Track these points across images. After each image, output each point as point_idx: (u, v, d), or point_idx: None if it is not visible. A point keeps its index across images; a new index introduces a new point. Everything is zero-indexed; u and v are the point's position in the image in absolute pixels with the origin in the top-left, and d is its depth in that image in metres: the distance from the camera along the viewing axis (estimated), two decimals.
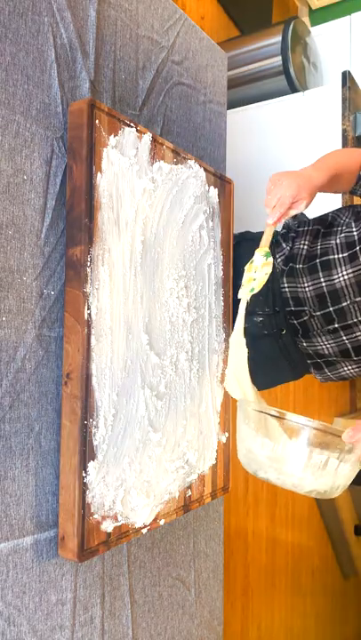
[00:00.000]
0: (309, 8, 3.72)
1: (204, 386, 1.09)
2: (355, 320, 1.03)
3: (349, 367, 1.13)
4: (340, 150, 1.18)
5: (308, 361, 1.18)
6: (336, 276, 1.03)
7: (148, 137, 0.94)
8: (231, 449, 1.18)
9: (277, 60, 2.44)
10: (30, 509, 0.79)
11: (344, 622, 4.30)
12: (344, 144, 1.98)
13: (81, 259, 0.81)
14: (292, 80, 2.44)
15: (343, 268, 1.02)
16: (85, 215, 0.82)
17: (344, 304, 1.02)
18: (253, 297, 1.15)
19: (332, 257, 1.04)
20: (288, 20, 2.52)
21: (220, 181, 1.16)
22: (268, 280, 1.15)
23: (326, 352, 1.11)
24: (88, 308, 0.82)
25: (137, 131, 0.92)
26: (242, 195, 1.51)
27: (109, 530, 0.86)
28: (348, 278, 1.01)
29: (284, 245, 1.17)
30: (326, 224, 1.16)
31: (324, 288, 1.04)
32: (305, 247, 1.11)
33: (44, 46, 0.83)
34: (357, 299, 1.01)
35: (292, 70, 2.43)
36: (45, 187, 0.82)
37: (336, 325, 1.05)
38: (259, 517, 2.89)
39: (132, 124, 0.91)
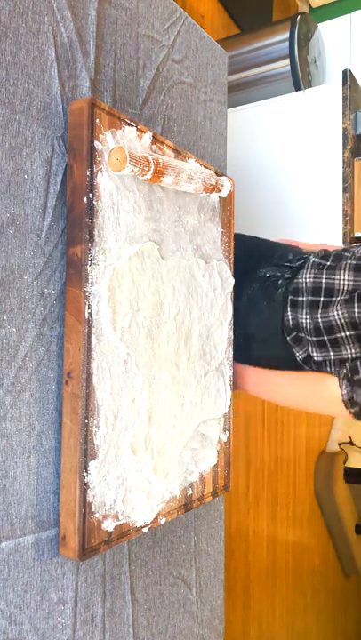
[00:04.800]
0: (310, 6, 3.71)
1: (208, 383, 1.09)
2: (348, 354, 1.05)
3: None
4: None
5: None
6: (332, 314, 1.06)
7: (148, 136, 0.94)
8: (232, 448, 1.18)
9: (285, 61, 2.46)
10: (31, 508, 0.79)
11: (345, 621, 4.30)
12: (345, 142, 1.98)
13: (82, 258, 0.81)
14: (298, 78, 2.45)
15: (339, 307, 1.05)
16: (86, 214, 0.82)
17: (338, 335, 1.06)
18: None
19: (334, 298, 1.07)
20: (294, 16, 2.52)
21: None
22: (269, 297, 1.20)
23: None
24: (89, 308, 0.82)
25: (137, 129, 0.92)
26: (242, 193, 1.51)
27: (110, 529, 0.86)
28: (343, 316, 1.05)
29: (288, 275, 1.20)
30: (331, 258, 1.16)
31: (321, 324, 1.08)
32: (310, 279, 1.13)
33: (44, 45, 0.83)
34: (350, 333, 1.04)
35: (298, 69, 2.44)
36: (46, 186, 0.82)
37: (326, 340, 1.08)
38: (259, 516, 2.89)
39: (132, 123, 0.90)
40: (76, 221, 0.82)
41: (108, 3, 0.96)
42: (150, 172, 0.88)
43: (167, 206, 0.99)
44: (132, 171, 0.85)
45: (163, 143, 0.98)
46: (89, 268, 0.82)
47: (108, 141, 0.86)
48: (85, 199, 0.81)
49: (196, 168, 1.01)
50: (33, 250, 0.80)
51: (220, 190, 1.08)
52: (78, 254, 0.82)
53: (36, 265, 0.81)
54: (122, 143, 0.88)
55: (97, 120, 0.84)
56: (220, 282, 1.13)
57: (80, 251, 0.81)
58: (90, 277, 0.82)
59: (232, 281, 1.17)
